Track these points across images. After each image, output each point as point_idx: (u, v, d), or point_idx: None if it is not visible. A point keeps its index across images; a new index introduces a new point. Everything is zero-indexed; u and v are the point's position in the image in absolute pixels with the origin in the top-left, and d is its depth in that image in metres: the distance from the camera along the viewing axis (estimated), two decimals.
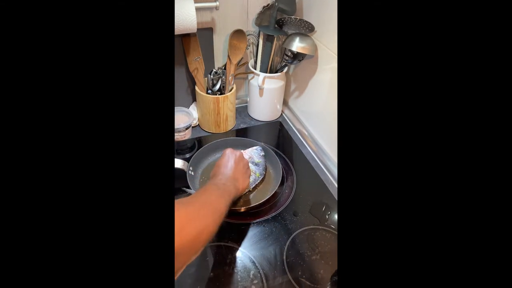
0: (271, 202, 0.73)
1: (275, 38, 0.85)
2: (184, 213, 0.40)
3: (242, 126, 0.97)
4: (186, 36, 0.84)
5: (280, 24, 0.82)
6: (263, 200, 0.70)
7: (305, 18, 0.81)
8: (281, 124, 0.99)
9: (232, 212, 0.69)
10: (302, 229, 0.68)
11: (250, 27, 0.90)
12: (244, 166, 0.68)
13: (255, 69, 0.91)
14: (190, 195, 0.50)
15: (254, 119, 1.00)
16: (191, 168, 0.75)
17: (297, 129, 0.97)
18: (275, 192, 0.72)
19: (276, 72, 0.90)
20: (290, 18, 0.79)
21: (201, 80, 0.88)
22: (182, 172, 0.73)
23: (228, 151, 0.68)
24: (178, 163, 0.73)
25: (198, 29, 0.80)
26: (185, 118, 0.88)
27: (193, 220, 0.41)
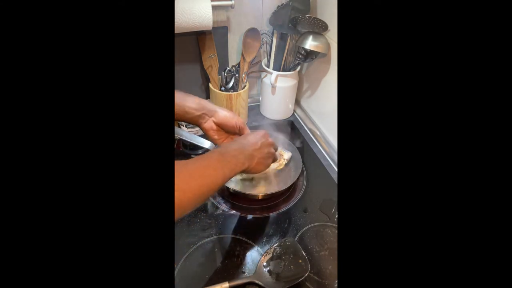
0: (281, 197, 0.74)
1: (289, 37, 0.86)
2: None
3: (254, 124, 0.98)
4: (201, 34, 0.86)
5: (294, 23, 0.83)
6: (283, 189, 0.72)
7: (319, 16, 0.81)
8: (292, 123, 0.99)
9: (248, 199, 0.72)
10: (312, 225, 0.68)
11: (264, 26, 0.92)
12: (268, 153, 0.60)
13: (268, 67, 0.92)
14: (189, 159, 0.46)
15: (266, 117, 1.01)
16: None
17: (308, 129, 0.97)
18: (287, 187, 0.72)
19: (289, 71, 0.91)
20: (304, 16, 0.79)
21: (215, 77, 0.90)
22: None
23: (263, 132, 0.62)
24: (207, 143, 0.75)
25: (213, 27, 0.82)
26: None
27: None
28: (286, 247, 0.61)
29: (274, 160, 0.64)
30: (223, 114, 0.63)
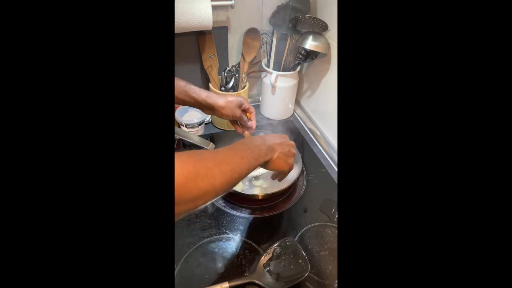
0: (281, 197, 0.74)
1: (289, 37, 0.86)
2: (193, 169, 0.39)
3: None
4: (201, 34, 0.86)
5: (294, 23, 0.83)
6: (283, 189, 0.71)
7: (319, 16, 0.81)
8: (292, 123, 0.99)
9: (248, 199, 0.72)
10: (312, 225, 0.68)
11: (264, 26, 0.92)
12: (289, 151, 0.60)
13: (268, 67, 0.92)
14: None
15: (266, 117, 1.01)
16: None
17: (308, 128, 0.97)
18: (288, 186, 0.72)
19: (289, 71, 0.91)
20: (304, 16, 0.79)
21: (215, 77, 0.90)
22: None
23: (286, 136, 0.63)
24: (207, 144, 0.77)
25: (213, 27, 0.82)
26: (198, 114, 0.90)
27: (200, 179, 0.39)
28: (286, 247, 0.61)
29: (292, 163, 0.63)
30: (220, 113, 0.68)
